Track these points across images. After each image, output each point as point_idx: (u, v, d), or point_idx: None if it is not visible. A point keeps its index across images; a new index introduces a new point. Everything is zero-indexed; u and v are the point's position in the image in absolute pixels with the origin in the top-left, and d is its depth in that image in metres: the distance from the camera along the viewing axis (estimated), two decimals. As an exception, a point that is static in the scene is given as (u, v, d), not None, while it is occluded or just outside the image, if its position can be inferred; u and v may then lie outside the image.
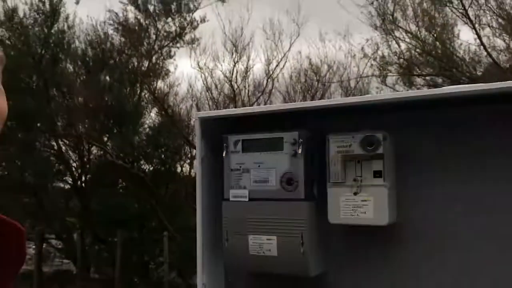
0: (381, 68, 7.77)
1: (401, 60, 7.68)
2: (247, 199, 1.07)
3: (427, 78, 8.51)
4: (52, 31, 10.07)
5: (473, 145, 0.95)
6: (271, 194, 1.02)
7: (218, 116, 1.11)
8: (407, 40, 7.54)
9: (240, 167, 1.01)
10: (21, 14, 10.08)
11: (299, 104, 0.99)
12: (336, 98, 1.17)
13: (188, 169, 11.28)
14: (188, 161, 11.63)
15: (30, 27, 10.05)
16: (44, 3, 10.20)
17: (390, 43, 7.66)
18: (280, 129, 0.99)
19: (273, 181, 1.01)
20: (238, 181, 1.03)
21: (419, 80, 8.69)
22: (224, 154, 1.03)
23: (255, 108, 0.93)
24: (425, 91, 0.95)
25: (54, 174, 11.46)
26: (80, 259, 11.05)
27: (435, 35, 7.55)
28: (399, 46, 7.67)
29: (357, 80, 8.85)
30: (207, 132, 1.08)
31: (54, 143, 11.30)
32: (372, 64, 8.12)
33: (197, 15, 11.49)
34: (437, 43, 7.36)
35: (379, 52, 7.73)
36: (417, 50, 7.63)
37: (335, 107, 0.97)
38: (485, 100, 0.85)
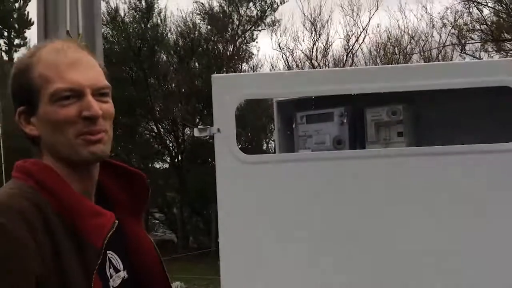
0: (459, 37, 7.61)
1: (484, 26, 7.47)
2: (310, 156, 1.55)
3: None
4: (148, 25, 11.16)
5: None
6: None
7: (288, 99, 1.56)
8: (490, 4, 7.31)
9: (305, 133, 1.47)
10: (122, 13, 11.29)
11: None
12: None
13: (273, 145, 11.94)
14: (273, 138, 12.26)
15: (129, 24, 11.21)
16: (140, 1, 11.29)
17: (471, 9, 7.48)
18: (332, 106, 1.43)
19: (328, 143, 1.46)
20: (304, 144, 1.49)
21: (508, 45, 8.34)
22: (294, 126, 1.50)
23: (312, 92, 1.37)
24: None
25: (154, 154, 12.78)
26: (180, 230, 12.28)
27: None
28: (481, 12, 7.46)
29: (438, 50, 8.74)
30: (282, 111, 1.55)
31: (153, 127, 12.57)
32: (452, 33, 7.98)
33: (276, -3, 11.90)
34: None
35: (460, 20, 7.58)
36: (502, 13, 7.35)
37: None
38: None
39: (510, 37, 7.77)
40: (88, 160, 0.92)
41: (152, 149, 12.89)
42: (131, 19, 11.27)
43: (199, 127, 1.16)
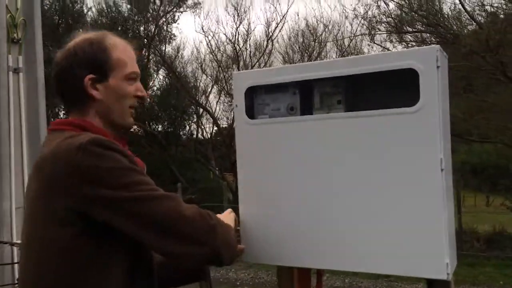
0: (369, 28, 8.42)
1: (389, 19, 8.32)
2: (268, 120, 1.87)
3: (417, 34, 9.17)
4: (66, 2, 10.65)
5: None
6: (281, 116, 1.81)
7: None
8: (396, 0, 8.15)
9: (263, 101, 1.78)
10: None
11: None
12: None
13: (196, 126, 12.15)
14: (195, 119, 12.41)
15: (47, -1, 10.62)
16: (58, -24, 10.69)
17: (379, 3, 8.30)
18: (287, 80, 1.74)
19: (282, 109, 1.78)
20: (263, 110, 1.81)
21: (409, 37, 9.35)
22: (254, 96, 1.80)
23: (284, 79, 1.73)
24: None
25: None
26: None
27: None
28: (387, 6, 8.31)
29: (350, 39, 9.54)
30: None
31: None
32: (363, 24, 8.77)
33: (198, -21, 11.94)
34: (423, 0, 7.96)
35: (370, 12, 8.37)
36: (405, 8, 8.24)
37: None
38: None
39: (410, 30, 8.72)
40: (129, 127, 1.30)
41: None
42: (48, -6, 10.69)
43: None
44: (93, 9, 11.46)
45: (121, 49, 1.27)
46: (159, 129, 12.67)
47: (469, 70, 7.51)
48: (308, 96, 1.75)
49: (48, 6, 10.44)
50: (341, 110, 1.66)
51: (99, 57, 1.22)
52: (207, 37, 12.22)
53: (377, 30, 8.56)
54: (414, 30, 8.68)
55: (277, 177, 1.60)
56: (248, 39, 11.39)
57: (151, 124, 12.31)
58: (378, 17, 8.39)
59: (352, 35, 9.45)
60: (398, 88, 1.58)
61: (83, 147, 1.08)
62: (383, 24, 8.38)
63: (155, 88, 12.69)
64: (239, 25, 11.37)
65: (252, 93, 1.77)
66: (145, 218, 1.09)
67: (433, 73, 1.44)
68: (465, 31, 8.15)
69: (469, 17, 7.92)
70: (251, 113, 1.74)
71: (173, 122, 12.61)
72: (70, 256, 1.08)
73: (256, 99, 1.81)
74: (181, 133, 12.64)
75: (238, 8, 11.49)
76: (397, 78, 1.54)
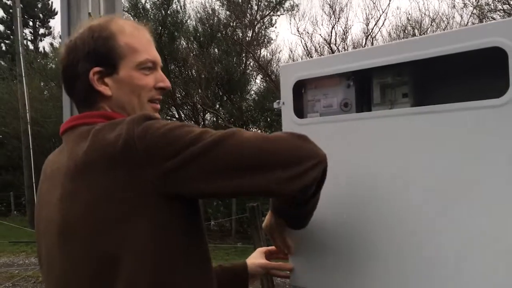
0: (480, 17, 7.47)
1: (506, 6, 7.32)
2: (319, 119, 1.61)
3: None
4: (168, 12, 11.29)
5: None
6: (334, 114, 1.55)
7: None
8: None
9: (314, 97, 1.54)
10: (142, 0, 11.45)
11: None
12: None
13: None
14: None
15: (150, 10, 11.38)
16: (160, -12, 11.41)
17: (494, -12, 7.34)
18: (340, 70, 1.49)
19: (335, 106, 1.53)
20: (313, 107, 1.57)
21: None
22: (303, 91, 1.57)
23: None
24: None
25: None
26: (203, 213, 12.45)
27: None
28: (505, -9, 7.31)
29: (460, 31, 8.55)
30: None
31: (174, 112, 12.76)
32: (474, 13, 7.82)
33: (295, -19, 11.86)
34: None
35: (482, 1, 7.44)
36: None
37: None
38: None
39: (534, 16, 7.59)
40: None
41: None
42: (151, 6, 11.45)
43: (277, 101, 1.52)
44: (193, 17, 11.99)
45: (130, 32, 1.05)
46: (258, 131, 12.77)
47: None
48: (365, 89, 1.49)
49: (151, 18, 11.16)
50: (407, 105, 1.37)
51: (103, 45, 1.03)
52: (303, 39, 12.01)
53: (490, 19, 7.59)
54: (539, 16, 7.54)
55: (330, 187, 1.36)
56: (345, 39, 10.96)
57: (247, 127, 12.49)
58: (492, 4, 7.43)
59: (462, 27, 8.49)
60: (480, 74, 1.27)
61: (135, 126, 0.92)
62: (497, 12, 7.39)
63: (252, 92, 12.86)
64: (336, 24, 10.98)
65: (301, 88, 1.57)
66: (235, 159, 0.93)
67: (529, 52, 1.12)
68: None
69: None
70: (300, 111, 1.55)
71: (270, 126, 12.64)
72: (168, 251, 0.94)
73: (306, 95, 1.59)
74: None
75: (334, 6, 11.11)
76: (479, 61, 1.22)
